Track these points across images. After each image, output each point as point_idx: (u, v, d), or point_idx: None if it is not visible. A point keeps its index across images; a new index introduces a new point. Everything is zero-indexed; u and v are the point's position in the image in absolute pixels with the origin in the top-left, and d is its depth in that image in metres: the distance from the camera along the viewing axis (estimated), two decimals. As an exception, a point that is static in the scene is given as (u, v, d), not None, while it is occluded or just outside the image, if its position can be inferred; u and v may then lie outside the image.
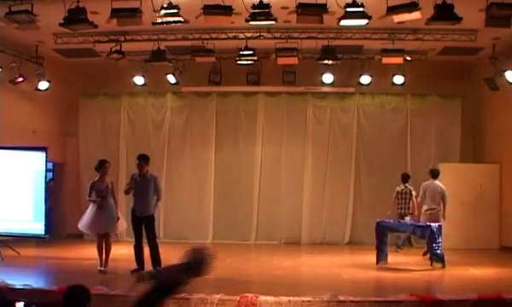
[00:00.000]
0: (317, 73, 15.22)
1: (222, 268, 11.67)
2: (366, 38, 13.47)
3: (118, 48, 13.97)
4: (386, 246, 11.97)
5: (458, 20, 10.44)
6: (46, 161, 13.32)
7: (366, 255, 12.95)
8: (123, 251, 13.22)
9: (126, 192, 10.90)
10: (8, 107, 14.17)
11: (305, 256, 14.69)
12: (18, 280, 8.89)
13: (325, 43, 13.82)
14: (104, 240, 10.78)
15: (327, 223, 16.22)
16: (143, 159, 10.86)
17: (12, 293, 8.02)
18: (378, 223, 12.08)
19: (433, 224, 11.59)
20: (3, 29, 11.99)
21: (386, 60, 14.18)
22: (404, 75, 15.09)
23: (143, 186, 10.69)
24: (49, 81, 14.99)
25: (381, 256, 11.87)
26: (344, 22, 10.92)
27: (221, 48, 14.34)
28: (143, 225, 10.70)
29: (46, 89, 15.10)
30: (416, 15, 10.39)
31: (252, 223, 16.32)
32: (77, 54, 15.18)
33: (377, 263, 11.78)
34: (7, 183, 13.13)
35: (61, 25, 10.98)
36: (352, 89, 16.06)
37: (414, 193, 13.74)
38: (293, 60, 14.28)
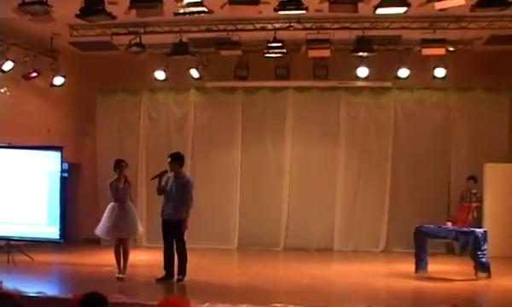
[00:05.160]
0: (350, 67, 15.11)
1: (248, 276, 11.73)
2: (405, 28, 13.35)
3: (137, 40, 14.04)
4: (426, 254, 11.87)
5: (507, 5, 10.29)
6: (61, 161, 13.45)
7: (404, 263, 12.83)
8: (142, 257, 13.35)
9: (157, 191, 10.94)
10: (21, 104, 14.37)
11: (337, 264, 14.65)
12: (31, 288, 9.00)
13: (360, 33, 13.73)
14: (122, 245, 10.84)
15: (361, 228, 16.11)
16: (174, 159, 10.90)
17: (25, 301, 8.10)
18: (417, 229, 11.99)
19: (477, 230, 11.46)
20: (16, 21, 12.15)
21: (426, 51, 14.03)
22: (446, 68, 14.90)
23: (174, 188, 10.74)
24: (64, 76, 15.16)
25: (421, 264, 11.77)
26: (380, 10, 10.85)
27: (248, 40, 14.34)
28: (173, 231, 10.74)
29: (61, 85, 15.28)
30: (459, 1, 10.26)
31: (280, 228, 16.29)
32: (94, 47, 15.30)
33: (416, 272, 11.70)
34: (20, 185, 13.29)
35: (77, 16, 11.07)
36: (388, 84, 15.91)
37: None
38: (325, 53, 14.20)
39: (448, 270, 12.32)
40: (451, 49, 14.10)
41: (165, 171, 10.89)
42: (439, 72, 15.04)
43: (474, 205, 13.89)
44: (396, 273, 12.22)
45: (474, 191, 14.43)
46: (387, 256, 15.33)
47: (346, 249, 15.93)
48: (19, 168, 13.36)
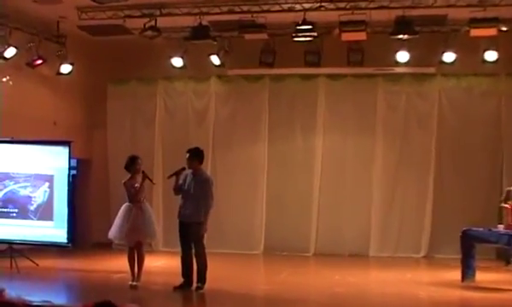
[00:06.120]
0: (389, 51, 15.00)
1: (275, 284, 11.72)
2: (450, 6, 13.22)
3: (152, 24, 14.08)
4: (475, 261, 11.75)
5: None
6: (69, 157, 13.51)
7: (448, 271, 12.79)
8: (158, 263, 13.39)
9: (174, 190, 10.94)
10: (25, 95, 14.47)
11: (373, 270, 14.61)
12: (36, 296, 9.01)
13: (400, 13, 13.65)
14: (136, 250, 10.85)
15: (400, 231, 16.04)
16: (192, 155, 10.88)
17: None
18: (464, 233, 11.86)
19: (533, 234, 11.32)
20: (20, 3, 12.26)
21: (475, 32, 13.86)
22: (497, 50, 14.72)
23: (192, 186, 10.73)
24: (72, 64, 15.24)
25: (468, 272, 11.65)
26: (423, -13, 10.76)
27: (274, 22, 14.29)
28: (191, 234, 10.74)
29: (69, 74, 15.37)
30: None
31: (311, 231, 16.28)
32: (105, 31, 15.33)
33: (462, 281, 11.59)
34: (24, 183, 13.38)
35: (85, -3, 11.13)
36: (432, 70, 15.80)
37: None
38: (361, 36, 14.13)
39: (499, 279, 12.23)
40: (504, 28, 13.92)
41: (183, 169, 10.88)
42: (490, 56, 14.85)
43: None
44: (440, 281, 12.12)
45: None
46: (430, 262, 15.24)
47: (382, 254, 15.86)
48: (23, 165, 13.45)
